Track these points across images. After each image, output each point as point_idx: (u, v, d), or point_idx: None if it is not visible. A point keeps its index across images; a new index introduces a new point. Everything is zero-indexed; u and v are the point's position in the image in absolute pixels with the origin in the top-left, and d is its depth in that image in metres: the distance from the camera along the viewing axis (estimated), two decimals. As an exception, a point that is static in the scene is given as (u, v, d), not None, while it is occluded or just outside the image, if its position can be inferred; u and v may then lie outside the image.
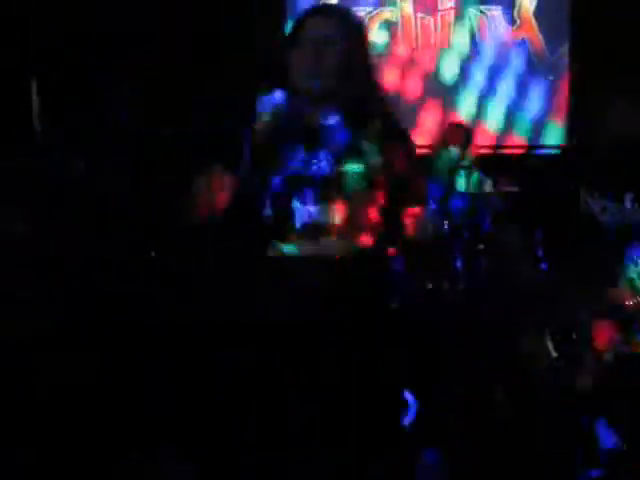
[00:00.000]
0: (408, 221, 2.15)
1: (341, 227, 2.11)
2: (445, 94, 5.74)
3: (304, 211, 2.13)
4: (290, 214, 2.13)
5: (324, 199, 2.12)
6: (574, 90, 5.59)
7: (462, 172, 4.40)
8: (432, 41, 5.77)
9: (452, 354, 3.74)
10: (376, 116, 2.15)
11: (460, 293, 3.93)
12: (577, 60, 5.56)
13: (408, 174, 2.15)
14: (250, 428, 2.23)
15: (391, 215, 2.16)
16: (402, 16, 5.77)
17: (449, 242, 3.99)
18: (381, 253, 2.21)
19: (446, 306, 3.91)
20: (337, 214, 2.12)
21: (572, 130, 5.56)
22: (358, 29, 2.23)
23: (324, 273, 2.11)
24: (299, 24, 2.18)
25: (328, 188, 2.11)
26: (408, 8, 5.76)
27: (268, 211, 2.16)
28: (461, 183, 4.37)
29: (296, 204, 2.14)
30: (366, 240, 2.15)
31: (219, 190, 2.15)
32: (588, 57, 5.39)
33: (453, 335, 3.80)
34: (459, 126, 4.57)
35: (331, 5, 2.27)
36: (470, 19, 5.73)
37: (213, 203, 2.16)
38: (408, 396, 3.06)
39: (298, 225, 2.13)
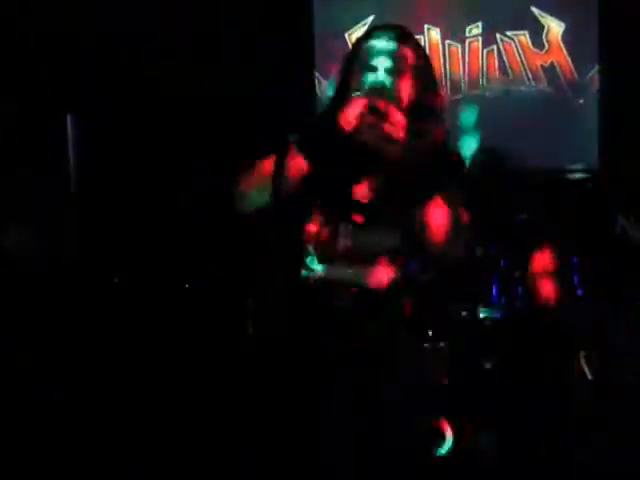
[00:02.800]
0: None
1: (380, 254, 2.09)
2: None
3: (347, 233, 2.10)
4: (334, 235, 2.11)
5: (370, 224, 2.09)
6: (605, 112, 5.55)
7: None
8: (460, 68, 5.77)
9: (487, 383, 3.71)
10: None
11: (496, 320, 3.89)
12: (607, 82, 5.52)
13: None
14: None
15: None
16: (430, 44, 5.77)
17: (484, 269, 3.96)
18: (415, 281, 2.17)
19: (480, 333, 3.88)
20: (379, 241, 2.09)
21: (605, 154, 5.51)
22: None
23: (356, 298, 2.08)
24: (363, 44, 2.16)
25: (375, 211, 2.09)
26: (436, 36, 5.78)
27: (313, 228, 2.13)
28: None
29: (341, 226, 2.11)
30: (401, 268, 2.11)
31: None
32: (618, 79, 5.35)
33: (489, 363, 3.76)
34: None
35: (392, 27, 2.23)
36: (498, 45, 5.72)
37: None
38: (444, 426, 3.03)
39: (340, 247, 2.10)
